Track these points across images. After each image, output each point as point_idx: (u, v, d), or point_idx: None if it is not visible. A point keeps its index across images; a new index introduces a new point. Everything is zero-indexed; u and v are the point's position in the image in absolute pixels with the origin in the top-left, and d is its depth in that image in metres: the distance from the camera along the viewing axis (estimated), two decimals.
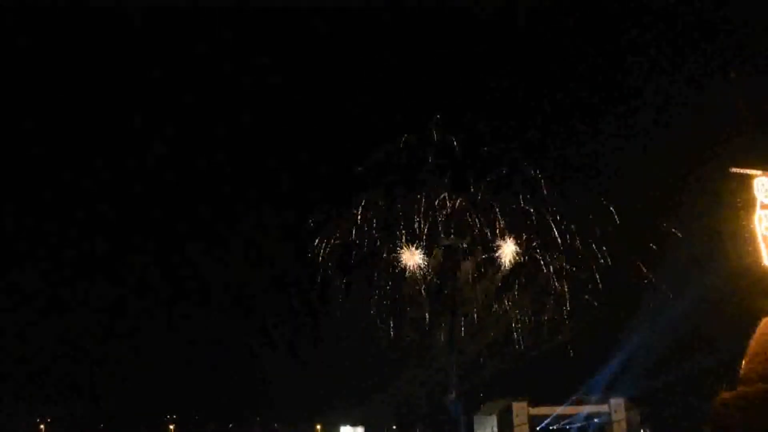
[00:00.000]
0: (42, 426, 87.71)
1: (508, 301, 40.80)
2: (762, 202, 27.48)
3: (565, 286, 40.50)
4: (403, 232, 39.91)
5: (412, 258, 39.46)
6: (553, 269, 40.47)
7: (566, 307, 40.54)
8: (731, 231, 28.59)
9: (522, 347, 41.77)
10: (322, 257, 40.69)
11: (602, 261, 40.03)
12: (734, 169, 28.23)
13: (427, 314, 40.73)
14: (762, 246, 26.71)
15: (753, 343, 26.76)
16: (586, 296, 40.37)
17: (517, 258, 40.17)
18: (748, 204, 27.73)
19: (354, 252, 40.31)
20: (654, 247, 40.26)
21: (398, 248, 40.16)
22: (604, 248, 40.08)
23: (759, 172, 28.10)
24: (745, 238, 27.28)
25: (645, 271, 42.38)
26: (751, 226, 27.15)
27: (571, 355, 42.87)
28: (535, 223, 40.33)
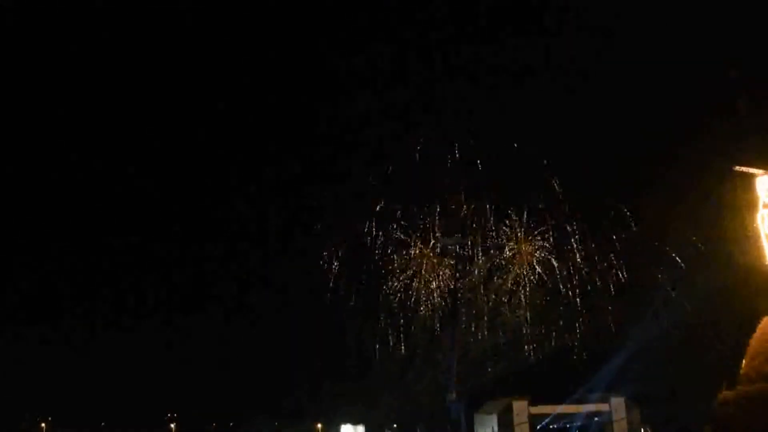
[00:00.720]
0: (43, 424, 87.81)
1: (523, 302, 40.63)
2: (765, 202, 27.52)
3: (577, 289, 40.35)
4: (417, 234, 39.81)
5: (425, 260, 39.42)
6: (566, 272, 40.30)
7: (578, 309, 40.38)
8: (734, 230, 28.63)
9: (530, 351, 41.58)
10: (332, 262, 40.50)
11: (615, 262, 39.88)
12: (738, 168, 28.27)
13: (438, 315, 40.51)
14: (765, 245, 26.75)
15: (753, 342, 26.81)
16: (604, 302, 40.19)
17: (529, 259, 40.05)
18: (750, 203, 27.78)
19: (366, 255, 40.15)
20: (677, 259, 40.08)
21: (411, 250, 40.04)
22: (618, 249, 39.93)
23: (761, 172, 28.16)
24: (748, 237, 27.32)
25: (660, 277, 42.29)
26: (754, 225, 27.20)
27: (583, 356, 42.68)
28: (549, 226, 40.19)
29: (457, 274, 39.07)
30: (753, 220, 27.39)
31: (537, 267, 40.03)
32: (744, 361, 26.80)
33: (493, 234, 39.74)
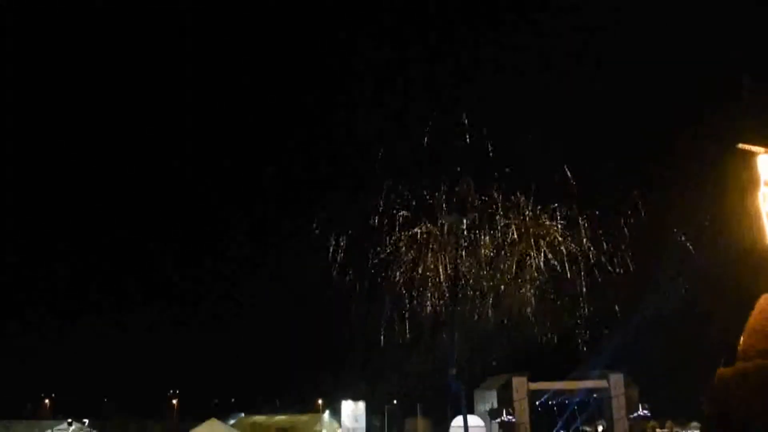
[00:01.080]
0: (46, 401, 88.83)
1: (527, 282, 40.63)
2: (766, 180, 27.43)
3: (581, 268, 40.35)
4: (424, 215, 39.70)
5: (431, 240, 39.43)
6: (573, 247, 40.25)
7: (582, 289, 40.42)
8: (735, 209, 28.57)
9: (533, 330, 41.69)
10: (338, 249, 40.39)
11: (621, 243, 39.79)
12: (741, 145, 28.12)
13: (443, 294, 40.48)
14: (766, 224, 26.70)
15: (752, 320, 26.90)
16: (608, 281, 40.16)
17: (535, 239, 39.98)
18: (751, 182, 27.68)
19: (371, 239, 40.03)
20: (681, 237, 39.96)
21: (417, 229, 39.95)
22: (624, 227, 39.85)
23: (763, 150, 28.02)
24: (749, 217, 27.26)
25: (663, 256, 42.29)
26: (755, 205, 27.13)
27: (585, 335, 42.91)
28: (556, 207, 40.03)
29: (462, 252, 39.04)
30: (754, 198, 27.31)
31: (543, 247, 39.97)
32: (742, 339, 26.91)
33: (500, 214, 39.64)
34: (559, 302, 41.31)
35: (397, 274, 40.61)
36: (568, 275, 40.10)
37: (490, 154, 38.94)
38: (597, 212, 39.55)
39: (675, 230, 40.82)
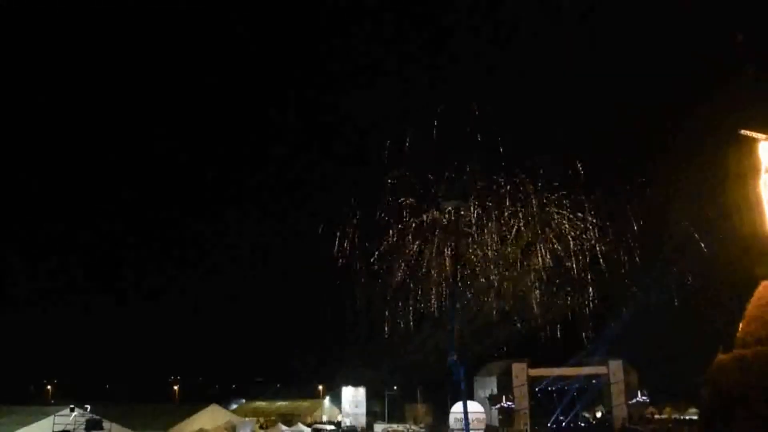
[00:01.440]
0: (48, 387, 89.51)
1: (530, 269, 40.79)
2: (767, 167, 27.33)
3: (587, 257, 40.51)
4: (430, 203, 39.87)
5: (437, 227, 39.55)
6: (579, 233, 40.39)
7: (586, 277, 40.61)
8: (737, 196, 28.48)
9: (538, 317, 41.93)
10: (344, 236, 40.53)
11: (629, 237, 39.94)
12: (744, 131, 27.97)
13: (451, 280, 40.64)
14: (766, 211, 26.64)
15: (751, 307, 26.94)
16: (613, 268, 40.28)
17: (540, 227, 40.11)
18: (752, 169, 27.59)
19: (378, 227, 40.18)
20: (693, 231, 40.00)
21: (423, 216, 40.14)
22: (629, 215, 40.02)
23: (764, 137, 27.89)
24: (749, 204, 27.19)
25: (665, 243, 42.49)
26: (756, 191, 27.05)
27: (589, 325, 43.17)
28: (562, 195, 40.12)
29: (468, 240, 39.17)
30: (755, 185, 27.22)
31: (549, 235, 40.12)
32: (741, 326, 26.96)
33: (507, 200, 39.78)
34: (562, 289, 41.50)
35: (401, 260, 40.84)
36: (573, 263, 40.30)
37: (498, 139, 39.10)
38: (602, 198, 39.74)
39: (677, 219, 40.85)
